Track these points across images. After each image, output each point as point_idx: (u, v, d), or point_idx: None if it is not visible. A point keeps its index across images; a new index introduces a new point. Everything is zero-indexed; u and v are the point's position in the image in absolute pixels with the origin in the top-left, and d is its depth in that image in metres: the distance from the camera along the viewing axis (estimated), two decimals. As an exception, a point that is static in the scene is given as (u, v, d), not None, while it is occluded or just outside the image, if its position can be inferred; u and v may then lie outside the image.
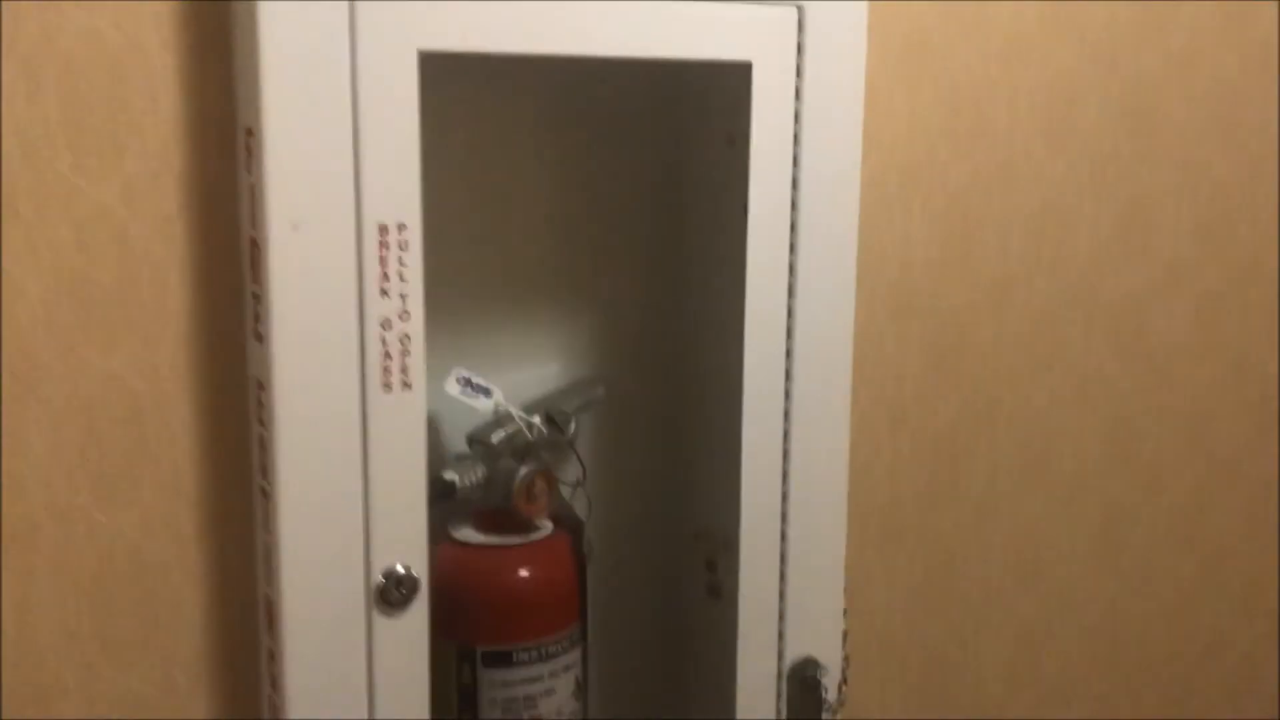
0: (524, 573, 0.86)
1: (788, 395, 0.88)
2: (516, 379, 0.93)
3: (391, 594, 0.75)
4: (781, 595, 0.91)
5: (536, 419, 0.89)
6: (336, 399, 0.72)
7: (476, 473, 0.86)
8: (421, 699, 0.77)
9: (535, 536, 0.88)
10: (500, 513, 0.88)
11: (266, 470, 0.72)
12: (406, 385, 0.74)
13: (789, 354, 0.88)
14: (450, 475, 0.85)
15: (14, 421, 0.70)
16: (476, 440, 0.87)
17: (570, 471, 0.92)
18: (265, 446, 0.72)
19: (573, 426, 0.89)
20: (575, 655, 0.88)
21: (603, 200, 0.93)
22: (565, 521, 0.91)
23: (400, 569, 0.75)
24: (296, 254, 0.69)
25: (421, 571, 0.76)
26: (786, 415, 0.88)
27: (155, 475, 0.75)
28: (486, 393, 0.88)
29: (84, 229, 0.71)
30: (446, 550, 0.87)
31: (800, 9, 0.81)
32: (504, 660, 0.85)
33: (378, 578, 0.75)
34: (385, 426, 0.73)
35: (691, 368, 0.95)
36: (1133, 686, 1.24)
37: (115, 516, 0.74)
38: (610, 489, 0.98)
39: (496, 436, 0.87)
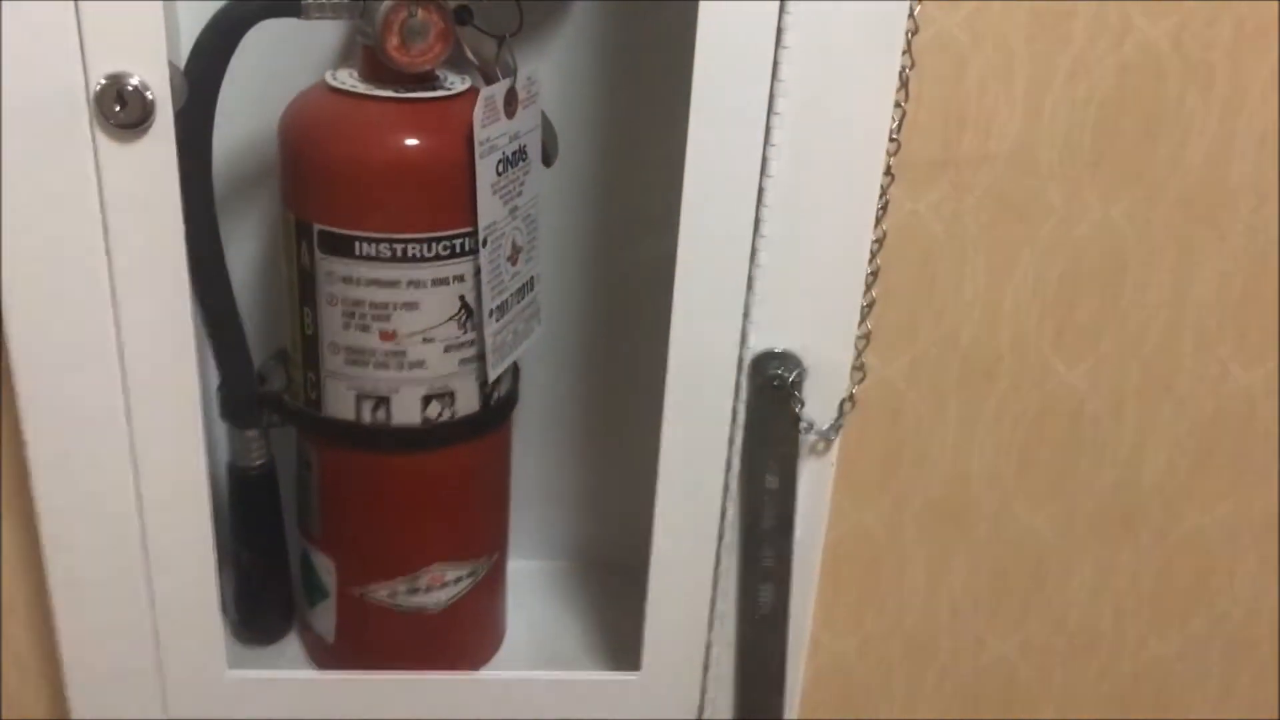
0: (385, 137, 0.62)
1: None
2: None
3: (110, 109, 0.55)
4: (753, 256, 0.60)
5: (446, -78, 0.61)
6: None
7: (341, -14, 0.61)
8: (167, 252, 0.58)
9: (420, 93, 0.63)
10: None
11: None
12: None
13: None
14: (298, -21, 0.61)
15: None
16: (357, -59, 0.62)
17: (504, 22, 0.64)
18: None
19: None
20: (459, 269, 0.64)
21: None
22: (522, 104, 0.64)
23: (133, 83, 0.54)
24: None
25: (161, 94, 0.55)
26: None
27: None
28: (395, -125, 0.61)
29: None
30: (306, 95, 0.65)
31: None
32: (344, 247, 0.63)
33: (98, 81, 0.54)
34: None
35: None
36: None
37: None
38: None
39: (376, -63, 0.61)
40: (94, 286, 0.59)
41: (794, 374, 0.62)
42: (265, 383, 0.70)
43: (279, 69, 0.67)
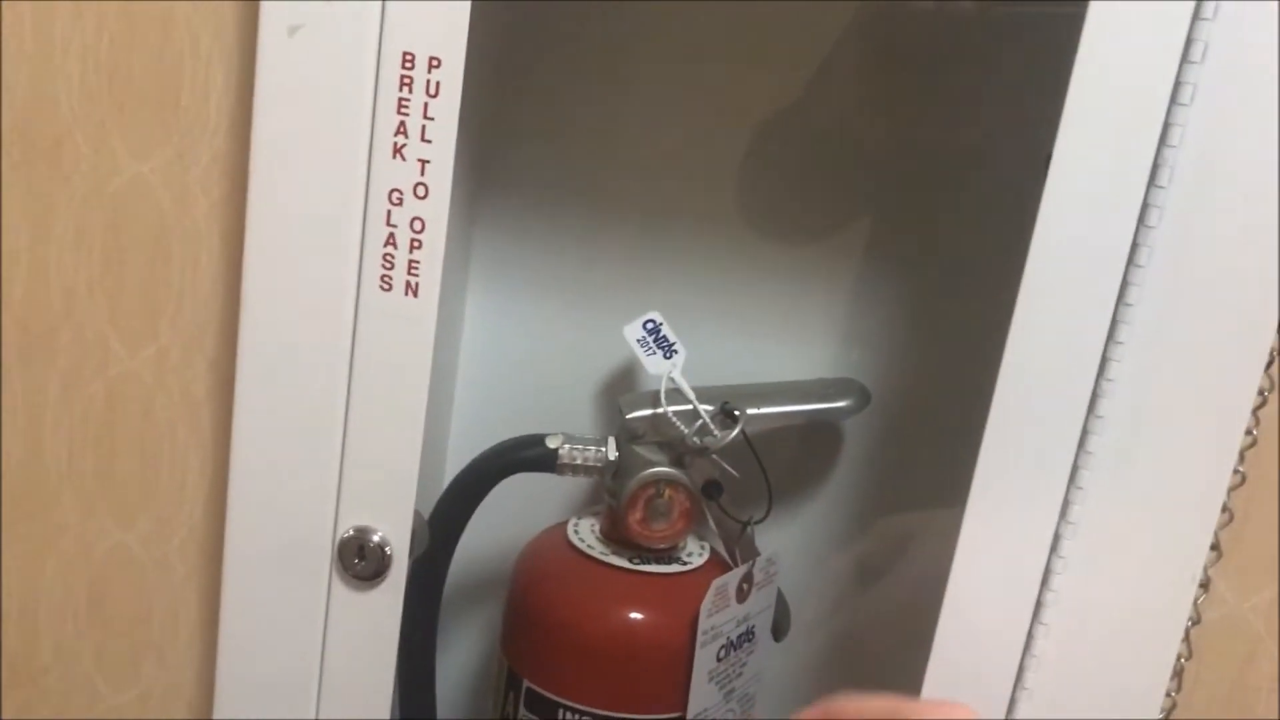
0: (608, 610, 0.60)
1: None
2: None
3: (350, 560, 0.55)
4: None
5: (708, 408, 0.61)
6: (317, 294, 0.52)
7: (596, 452, 0.61)
8: (375, 698, 0.57)
9: (655, 566, 0.61)
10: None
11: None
12: (412, 290, 0.52)
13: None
14: (554, 441, 0.61)
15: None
16: (619, 411, 0.62)
17: (752, 499, 0.62)
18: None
19: (738, 427, 0.60)
20: (661, 752, 0.60)
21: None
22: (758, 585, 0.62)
23: (375, 538, 0.55)
24: (290, 71, 0.50)
25: (399, 549, 0.55)
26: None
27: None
28: (669, 351, 0.62)
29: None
30: (543, 540, 0.64)
31: None
32: (548, 711, 0.60)
33: (345, 531, 0.55)
34: (374, 344, 0.53)
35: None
36: None
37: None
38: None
39: (637, 412, 0.61)
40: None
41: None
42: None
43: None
